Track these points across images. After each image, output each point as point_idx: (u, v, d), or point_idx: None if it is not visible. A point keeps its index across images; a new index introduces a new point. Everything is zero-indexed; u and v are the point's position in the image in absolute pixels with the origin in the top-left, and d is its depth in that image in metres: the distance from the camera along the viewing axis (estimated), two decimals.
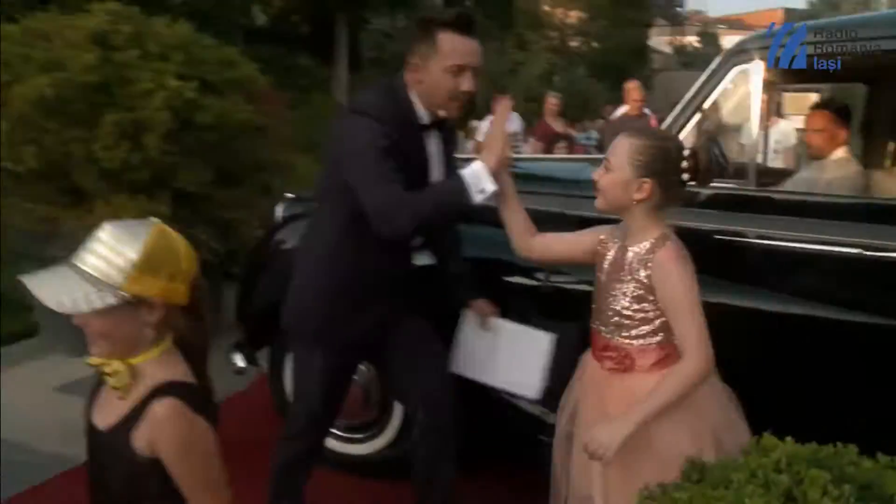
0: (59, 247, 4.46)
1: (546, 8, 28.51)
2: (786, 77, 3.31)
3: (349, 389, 2.67)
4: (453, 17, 2.20)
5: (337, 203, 2.33)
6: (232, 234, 4.73)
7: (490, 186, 2.12)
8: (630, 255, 2.01)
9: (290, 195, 3.77)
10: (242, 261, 4.03)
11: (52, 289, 1.46)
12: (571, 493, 2.16)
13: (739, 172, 2.88)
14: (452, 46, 2.18)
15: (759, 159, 2.98)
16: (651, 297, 1.96)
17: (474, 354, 2.65)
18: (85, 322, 1.50)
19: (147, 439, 1.47)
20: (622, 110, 8.27)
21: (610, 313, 2.04)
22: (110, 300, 1.45)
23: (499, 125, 2.18)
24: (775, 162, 6.30)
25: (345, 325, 2.39)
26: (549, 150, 8.39)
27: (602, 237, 2.12)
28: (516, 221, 2.20)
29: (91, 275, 1.46)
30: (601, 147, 7.81)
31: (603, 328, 2.07)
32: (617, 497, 1.99)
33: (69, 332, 5.05)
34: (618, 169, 1.98)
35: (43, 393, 4.22)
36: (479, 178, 2.11)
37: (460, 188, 2.11)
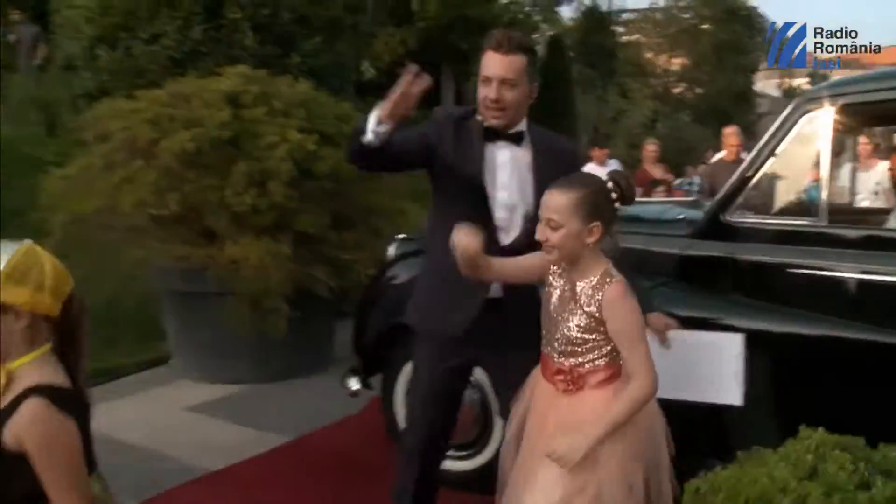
0: (192, 281, 4.97)
1: (649, 55, 28.51)
2: (868, 122, 3.44)
3: (461, 400, 2.84)
4: (490, 39, 2.55)
5: (431, 204, 2.70)
6: (346, 274, 5.11)
7: (377, 128, 2.36)
8: (579, 289, 2.16)
9: (401, 236, 4.14)
10: (357, 297, 4.39)
11: None
12: (507, 493, 2.30)
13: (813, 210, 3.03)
14: (484, 62, 2.55)
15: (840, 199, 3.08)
16: (601, 328, 2.12)
17: (662, 373, 2.75)
18: None
19: (15, 435, 1.56)
20: (720, 155, 8.32)
21: (562, 340, 2.18)
22: None
23: (400, 84, 2.38)
24: (876, 202, 6.31)
25: (438, 319, 2.65)
26: (647, 195, 8.48)
27: (553, 267, 2.26)
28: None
29: None
30: (703, 193, 7.80)
31: (554, 354, 2.21)
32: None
33: (198, 360, 5.56)
34: (565, 224, 2.11)
35: (174, 412, 4.67)
36: (371, 119, 2.38)
37: (362, 124, 2.40)
